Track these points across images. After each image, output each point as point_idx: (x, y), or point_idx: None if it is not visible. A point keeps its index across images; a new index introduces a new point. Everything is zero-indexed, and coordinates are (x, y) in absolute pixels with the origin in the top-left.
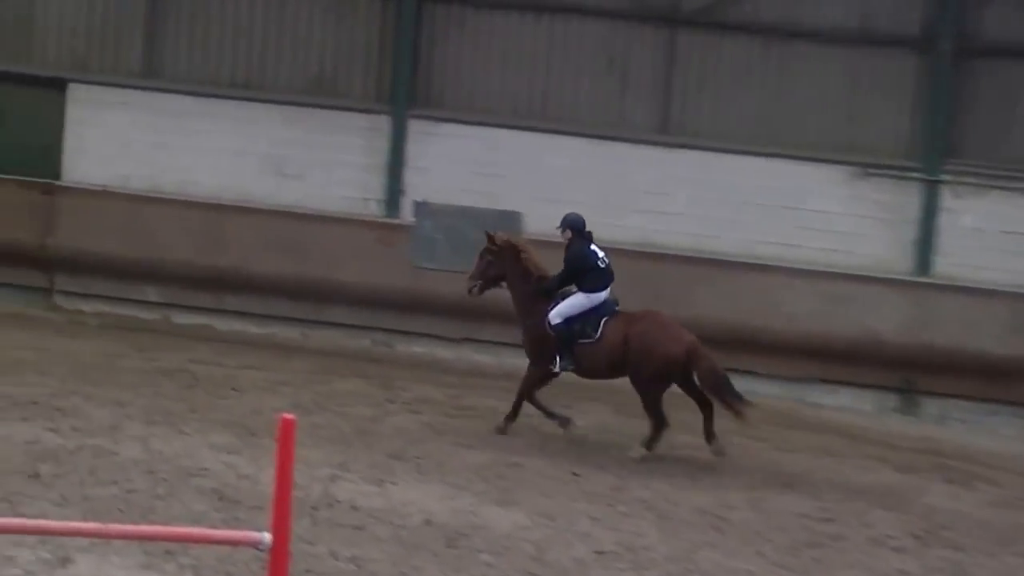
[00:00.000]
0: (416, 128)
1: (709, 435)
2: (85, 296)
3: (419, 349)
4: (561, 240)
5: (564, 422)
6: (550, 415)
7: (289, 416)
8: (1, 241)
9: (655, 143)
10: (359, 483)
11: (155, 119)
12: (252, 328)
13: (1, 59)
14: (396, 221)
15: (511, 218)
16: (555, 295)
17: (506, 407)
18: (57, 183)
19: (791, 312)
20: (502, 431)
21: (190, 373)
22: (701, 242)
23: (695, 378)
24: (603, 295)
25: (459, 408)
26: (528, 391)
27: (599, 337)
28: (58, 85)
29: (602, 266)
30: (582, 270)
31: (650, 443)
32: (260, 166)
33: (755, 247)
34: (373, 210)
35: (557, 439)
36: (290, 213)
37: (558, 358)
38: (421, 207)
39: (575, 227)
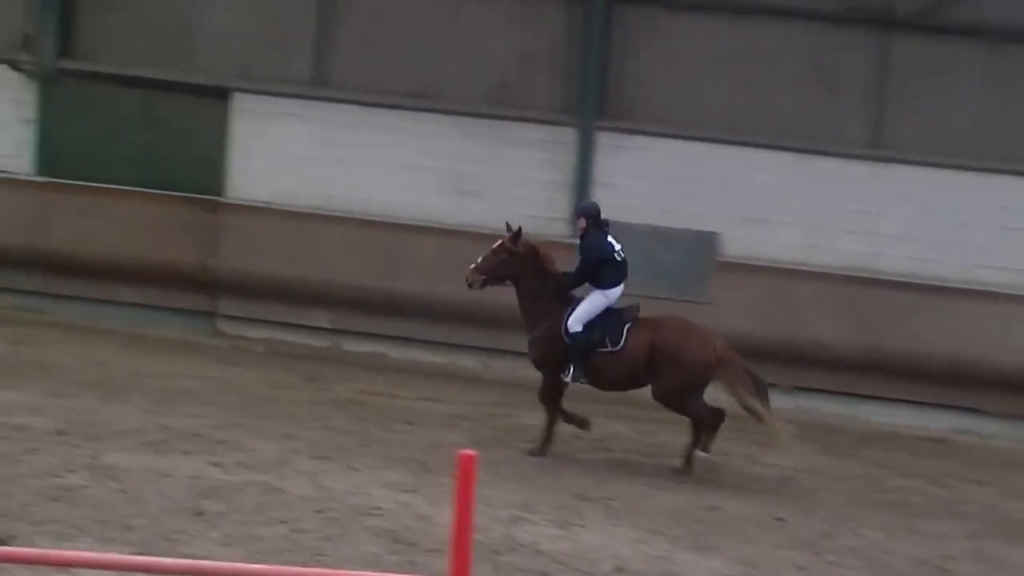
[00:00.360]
0: (604, 141)
1: (698, 446)
2: (250, 321)
3: None
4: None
5: (584, 423)
6: (570, 419)
7: (469, 452)
8: (161, 262)
9: (866, 158)
10: (543, 525)
11: (324, 131)
12: (429, 357)
13: (161, 67)
14: None
15: (708, 239)
16: (571, 299)
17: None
18: (220, 200)
19: (1020, 344)
20: (540, 453)
21: (362, 405)
22: (917, 266)
23: (723, 384)
24: (619, 290)
25: (651, 446)
26: (552, 403)
27: (623, 346)
28: (221, 95)
29: (619, 259)
30: (599, 263)
31: (706, 444)
32: (437, 182)
33: (978, 272)
34: (558, 230)
35: (759, 480)
36: (470, 233)
37: (571, 368)
38: (610, 227)
39: (590, 215)
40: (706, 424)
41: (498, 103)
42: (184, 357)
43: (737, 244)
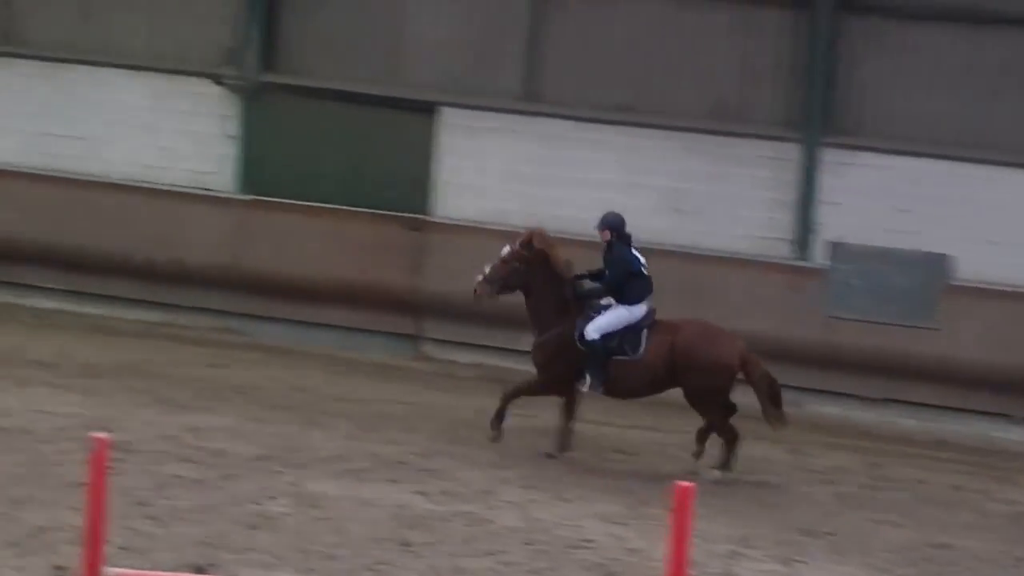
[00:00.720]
0: (830, 158)
1: (700, 453)
2: (457, 345)
3: (832, 410)
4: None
5: (497, 436)
6: (501, 420)
7: (685, 483)
8: (365, 283)
9: None
10: (763, 561)
11: (535, 147)
12: None
13: (367, 81)
14: (807, 264)
15: (939, 262)
16: (585, 307)
17: (935, 478)
18: (426, 218)
19: None
20: (556, 455)
21: (573, 433)
22: None
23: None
24: (644, 308)
25: (878, 479)
26: (514, 394)
27: (642, 353)
28: (428, 110)
29: (645, 273)
30: (626, 277)
31: (727, 463)
32: (653, 201)
33: None
34: (781, 251)
35: (992, 516)
36: (687, 254)
37: (587, 378)
38: (836, 248)
39: (614, 227)
40: (723, 434)
41: (717, 118)
42: (388, 383)
43: (969, 267)
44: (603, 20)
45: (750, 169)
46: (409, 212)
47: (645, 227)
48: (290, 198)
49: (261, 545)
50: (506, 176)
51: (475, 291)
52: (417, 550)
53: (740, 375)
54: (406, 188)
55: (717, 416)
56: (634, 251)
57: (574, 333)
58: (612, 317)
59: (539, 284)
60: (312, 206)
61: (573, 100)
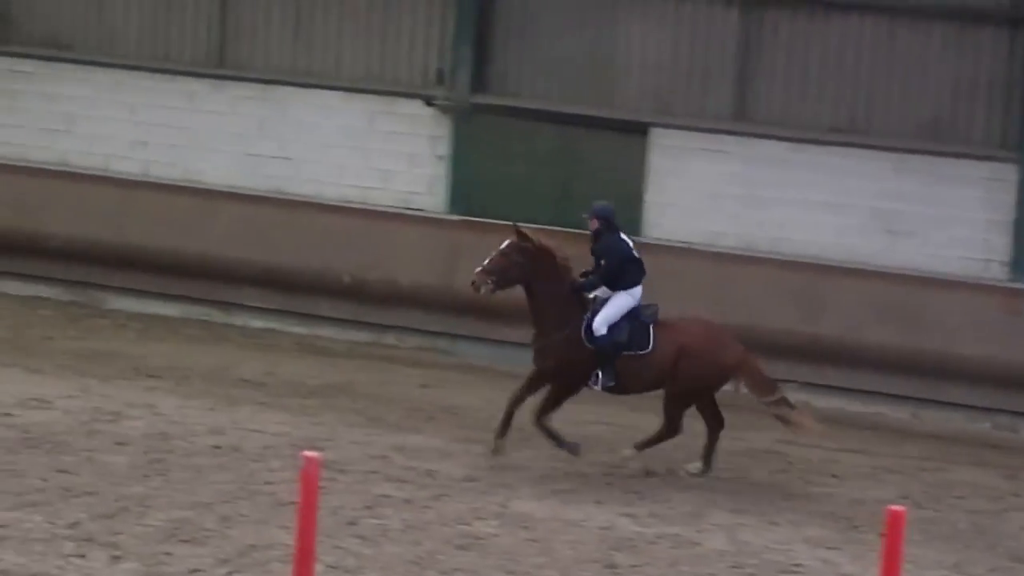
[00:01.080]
0: None
1: (709, 455)
2: None
3: None
4: None
5: (574, 448)
6: (560, 443)
7: (898, 508)
8: None
9: None
10: None
11: (747, 168)
12: (855, 406)
13: (577, 102)
14: (1023, 287)
15: None
16: (587, 302)
17: None
18: (636, 238)
19: None
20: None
21: (782, 455)
22: None
23: (742, 387)
24: (640, 289)
25: None
26: (543, 416)
27: (652, 349)
28: (639, 130)
29: (638, 256)
30: (621, 263)
31: (646, 444)
32: (865, 222)
33: None
34: (996, 273)
35: None
36: (900, 276)
37: (599, 374)
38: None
39: (604, 216)
40: (675, 432)
41: (930, 137)
42: (598, 404)
43: None
44: (814, 39)
45: (964, 189)
46: None
47: (855, 248)
48: (500, 218)
49: (469, 565)
50: (716, 197)
51: (472, 283)
52: (623, 572)
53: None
54: (618, 209)
55: (679, 416)
56: (623, 236)
57: (580, 332)
58: (615, 306)
59: (541, 281)
60: (523, 226)
61: (784, 120)
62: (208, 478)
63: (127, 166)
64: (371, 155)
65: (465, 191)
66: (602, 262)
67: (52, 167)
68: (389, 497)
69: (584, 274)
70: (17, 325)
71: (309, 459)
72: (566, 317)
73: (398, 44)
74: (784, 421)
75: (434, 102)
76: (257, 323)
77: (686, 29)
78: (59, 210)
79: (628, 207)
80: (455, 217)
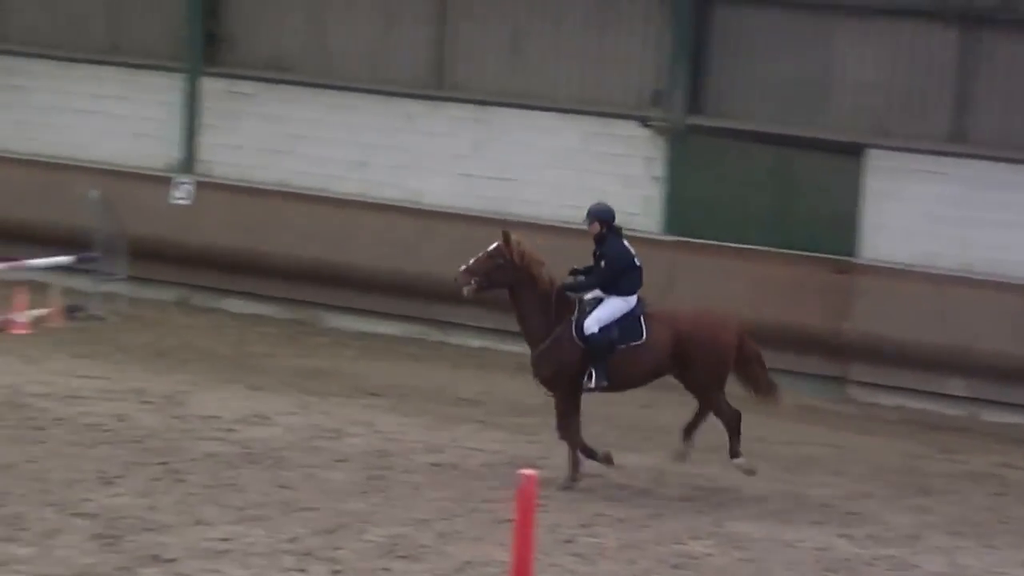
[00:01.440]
0: None
1: (691, 432)
2: (883, 388)
3: None
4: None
5: (607, 459)
6: (592, 455)
7: None
8: (790, 324)
9: None
10: None
11: (965, 190)
12: None
13: (793, 123)
14: None
15: None
16: (573, 304)
17: None
18: (854, 261)
19: None
20: (570, 486)
21: (1001, 479)
22: None
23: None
24: (635, 297)
25: None
26: (572, 433)
27: (644, 340)
28: (854, 151)
29: (638, 264)
30: (622, 270)
31: (732, 441)
32: None
33: None
34: None
35: None
36: None
37: (593, 373)
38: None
39: (605, 218)
40: (724, 416)
41: None
42: (813, 425)
43: None
44: None
45: None
46: (835, 254)
47: None
48: (715, 239)
49: None
50: (934, 219)
51: (455, 279)
52: None
53: None
54: (832, 230)
55: (720, 397)
56: (626, 243)
57: (571, 333)
58: (608, 309)
59: (525, 286)
60: (738, 248)
61: (1002, 141)
62: (426, 495)
63: (347, 186)
64: (586, 176)
65: (680, 212)
66: (602, 263)
67: (274, 188)
68: (605, 516)
69: (575, 271)
70: (239, 343)
71: (526, 477)
72: (553, 322)
73: (614, 65)
74: (769, 399)
75: (650, 123)
76: (474, 342)
77: (903, 49)
78: (280, 230)
79: (842, 228)
80: (670, 238)
